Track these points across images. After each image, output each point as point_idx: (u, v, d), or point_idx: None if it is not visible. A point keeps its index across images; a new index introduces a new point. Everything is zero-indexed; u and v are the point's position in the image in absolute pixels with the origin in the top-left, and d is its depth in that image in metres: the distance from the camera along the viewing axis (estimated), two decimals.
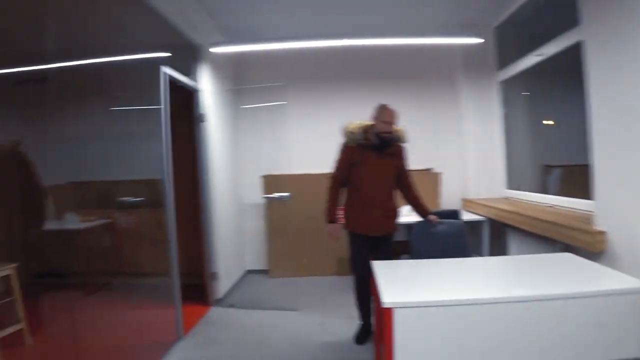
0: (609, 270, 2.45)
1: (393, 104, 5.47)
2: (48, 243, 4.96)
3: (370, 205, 3.34)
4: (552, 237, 3.38)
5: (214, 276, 4.43)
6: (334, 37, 4.03)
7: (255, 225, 5.59)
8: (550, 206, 4.00)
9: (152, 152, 4.29)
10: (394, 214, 3.49)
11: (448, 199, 5.43)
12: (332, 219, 3.47)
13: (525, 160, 5.00)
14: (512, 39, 4.92)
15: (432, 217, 3.49)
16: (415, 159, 5.49)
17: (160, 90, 3.55)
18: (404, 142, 3.52)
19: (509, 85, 5.08)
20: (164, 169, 3.61)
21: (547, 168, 4.77)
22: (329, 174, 3.50)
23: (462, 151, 5.47)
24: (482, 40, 4.17)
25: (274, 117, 4.88)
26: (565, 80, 4.32)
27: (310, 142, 5.52)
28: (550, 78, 4.49)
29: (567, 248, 3.50)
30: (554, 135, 4.70)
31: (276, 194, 4.55)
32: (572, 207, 3.75)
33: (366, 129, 3.40)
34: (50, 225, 5.03)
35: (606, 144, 2.78)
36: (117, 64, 4.15)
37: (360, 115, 5.50)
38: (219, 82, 4.77)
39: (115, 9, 3.42)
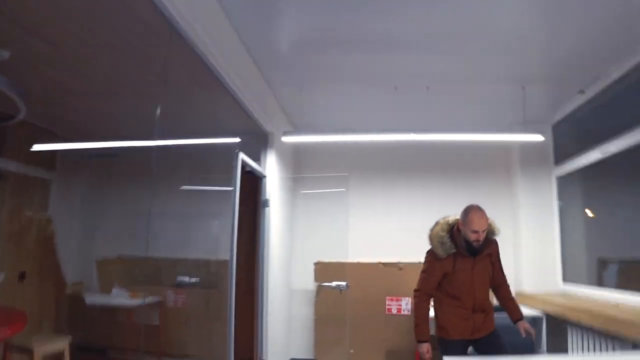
0: None
1: (448, 198, 5.69)
2: (92, 317, 5.04)
3: (471, 310, 3.09)
4: (619, 336, 3.27)
5: None
6: (398, 131, 4.23)
7: (304, 312, 5.54)
8: (616, 305, 3.89)
9: (219, 234, 4.46)
10: (492, 310, 3.23)
11: None
12: (425, 337, 3.11)
13: (582, 254, 4.95)
14: (569, 136, 5.09)
15: (524, 326, 3.15)
16: None
17: (235, 174, 3.73)
18: (496, 235, 3.20)
19: (565, 181, 5.16)
20: (232, 250, 3.69)
21: (602, 262, 4.68)
22: (416, 288, 3.23)
23: (517, 244, 5.45)
24: (542, 138, 4.30)
25: (331, 205, 5.01)
26: (620, 177, 4.41)
27: (365, 231, 5.60)
28: (606, 175, 4.56)
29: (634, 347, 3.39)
30: (610, 230, 4.67)
31: (334, 283, 4.55)
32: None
33: (453, 231, 3.11)
34: (98, 299, 5.15)
35: None
36: (196, 146, 4.46)
37: (419, 208, 5.70)
38: (282, 169, 5.00)
39: (200, 95, 3.74)
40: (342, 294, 4.89)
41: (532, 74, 4.15)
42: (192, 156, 4.88)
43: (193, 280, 5.16)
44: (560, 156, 5.17)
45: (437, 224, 3.22)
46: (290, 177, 5.06)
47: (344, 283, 4.44)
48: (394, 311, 5.28)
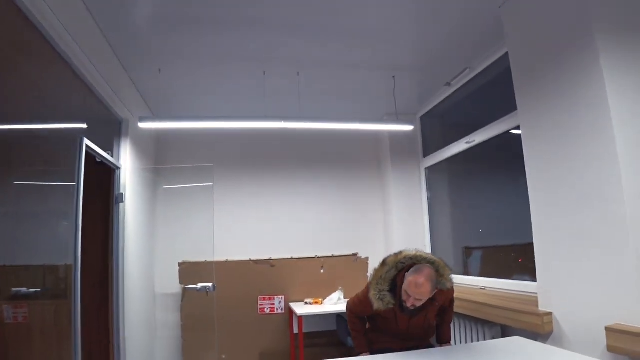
0: (564, 351, 2.41)
1: (320, 188, 5.59)
2: None
3: (404, 340, 2.80)
4: (490, 320, 3.37)
5: None
6: (268, 119, 3.97)
7: (169, 318, 5.05)
8: (482, 288, 4.04)
9: (59, 234, 3.81)
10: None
11: None
12: (362, 349, 2.82)
13: (449, 242, 5.12)
14: (436, 128, 5.28)
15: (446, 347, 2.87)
16: (340, 245, 5.50)
17: (78, 164, 3.19)
18: (447, 287, 2.65)
19: (433, 172, 5.32)
20: (75, 253, 3.16)
21: (467, 250, 4.91)
22: (349, 304, 2.91)
23: (389, 234, 5.50)
24: (412, 127, 4.33)
25: (196, 200, 4.60)
26: (483, 169, 4.62)
27: (234, 227, 5.30)
28: (470, 166, 4.76)
29: (504, 330, 3.51)
30: (473, 219, 4.89)
31: (199, 285, 4.12)
32: (501, 287, 3.81)
33: (397, 279, 2.65)
34: None
35: (544, 229, 2.87)
36: (26, 132, 3.75)
37: (290, 201, 5.52)
38: (139, 160, 4.48)
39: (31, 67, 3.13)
40: (210, 295, 4.51)
41: (402, 64, 4.16)
42: (29, 146, 4.13)
43: (34, 290, 4.39)
44: (428, 147, 5.32)
45: (384, 263, 2.72)
46: (149, 169, 4.54)
47: (210, 284, 4.04)
48: (267, 311, 5.02)
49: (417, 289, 2.42)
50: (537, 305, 2.91)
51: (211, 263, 4.86)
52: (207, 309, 4.66)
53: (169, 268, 4.97)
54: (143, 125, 3.93)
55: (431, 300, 2.56)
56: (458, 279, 4.57)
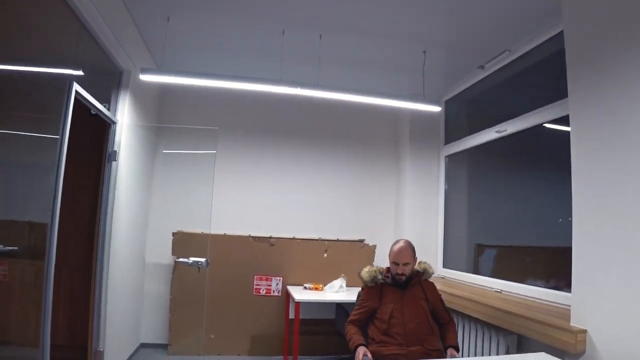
0: None
1: (331, 166, 5.22)
2: None
3: (405, 344, 2.76)
4: (504, 328, 3.03)
5: (98, 355, 3.52)
6: (282, 83, 3.59)
7: (158, 290, 4.74)
8: (498, 291, 3.69)
9: (44, 190, 3.48)
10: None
11: None
12: (358, 342, 2.77)
13: (462, 238, 4.78)
14: (462, 114, 4.88)
15: (453, 353, 2.81)
16: (347, 229, 5.16)
17: (65, 112, 2.84)
18: (429, 275, 3.13)
19: (452, 162, 4.95)
20: (54, 210, 2.82)
21: (479, 247, 4.57)
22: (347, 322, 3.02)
23: (399, 223, 5.15)
24: (439, 108, 3.94)
25: (197, 165, 4.24)
26: (508, 161, 4.27)
27: (235, 199, 4.97)
28: (492, 160, 4.42)
29: (520, 341, 3.17)
30: (490, 215, 4.56)
31: (190, 259, 3.76)
32: (520, 293, 3.46)
33: (384, 270, 3.07)
34: None
35: (587, 235, 2.48)
36: (12, 74, 3.40)
37: (297, 178, 5.16)
38: (139, 117, 4.13)
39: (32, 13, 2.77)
40: (202, 272, 4.19)
41: (435, 39, 3.75)
42: (15, 90, 3.77)
43: (11, 248, 4.07)
44: (451, 135, 4.94)
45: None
46: (149, 127, 4.16)
47: (203, 260, 3.68)
48: (263, 292, 4.70)
49: (400, 252, 2.91)
50: (568, 320, 2.55)
51: (207, 236, 4.53)
52: (198, 285, 4.34)
53: (163, 237, 4.64)
54: (145, 77, 3.56)
55: (419, 284, 2.99)
56: (468, 278, 4.26)
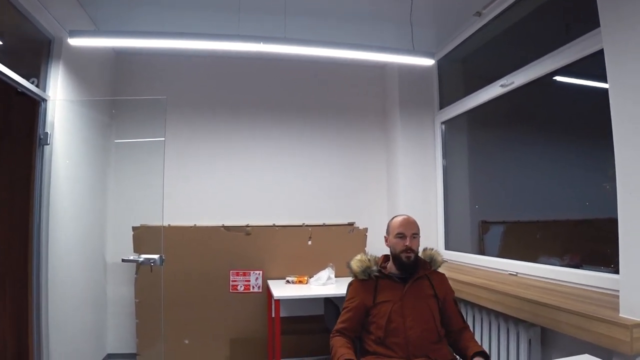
0: None
1: (310, 140, 4.59)
2: None
3: (406, 357, 2.17)
4: (524, 319, 2.49)
5: None
6: (244, 39, 2.97)
7: (123, 293, 4.15)
8: (513, 274, 3.14)
9: None
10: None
11: None
12: (348, 355, 2.14)
13: (465, 214, 4.25)
14: (457, 74, 4.36)
15: None
16: (333, 212, 4.57)
17: None
18: (438, 265, 2.49)
19: (450, 129, 4.40)
20: None
21: (484, 224, 4.06)
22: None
23: (393, 203, 4.58)
24: (432, 62, 3.35)
25: (151, 147, 3.61)
26: (510, 127, 3.76)
27: (204, 185, 4.41)
28: (499, 121, 3.91)
29: (544, 333, 2.63)
30: (494, 189, 4.04)
31: (142, 256, 3.12)
32: (539, 275, 2.92)
33: (379, 259, 2.47)
34: None
35: (638, 202, 1.92)
36: None
37: (273, 155, 4.54)
38: (84, 94, 3.51)
39: None
40: (172, 267, 3.61)
41: None
42: None
43: None
44: (446, 98, 4.38)
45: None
46: (83, 102, 3.45)
47: (156, 256, 3.04)
48: (241, 288, 4.13)
49: (405, 221, 2.38)
50: (613, 309, 1.99)
51: (173, 227, 3.96)
52: (166, 285, 3.78)
53: (126, 233, 4.05)
54: (75, 42, 2.95)
55: (426, 277, 2.38)
56: (475, 260, 3.74)
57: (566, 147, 3.25)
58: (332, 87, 4.71)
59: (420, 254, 2.42)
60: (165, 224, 3.93)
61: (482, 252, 3.87)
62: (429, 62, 3.36)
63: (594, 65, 2.55)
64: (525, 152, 3.61)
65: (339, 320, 2.36)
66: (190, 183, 4.33)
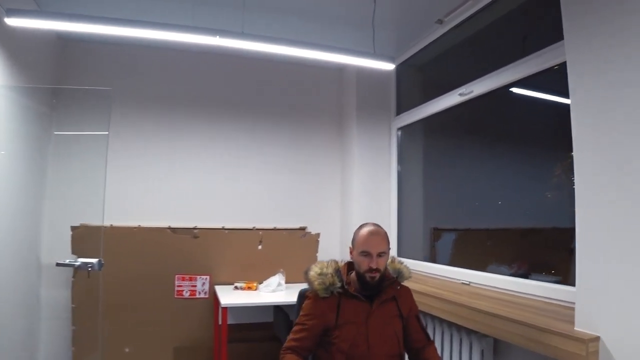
0: None
1: (263, 141, 4.38)
2: None
3: None
4: (477, 330, 2.47)
5: None
6: (198, 31, 2.81)
7: (59, 298, 3.84)
8: (466, 283, 3.12)
9: None
10: None
11: None
12: None
13: (418, 223, 4.25)
14: (415, 81, 4.36)
15: None
16: (285, 215, 4.43)
17: None
18: (406, 278, 2.26)
19: (406, 135, 4.38)
20: None
21: (436, 232, 4.09)
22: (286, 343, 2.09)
23: (346, 208, 4.52)
24: (393, 66, 3.29)
25: (93, 142, 3.36)
26: (470, 133, 3.79)
27: (150, 184, 4.16)
28: (454, 130, 3.92)
29: (497, 344, 2.62)
30: (447, 196, 4.06)
31: (79, 260, 2.88)
32: (492, 285, 2.91)
33: (342, 270, 2.16)
34: None
35: (595, 216, 1.91)
36: None
37: (221, 153, 4.36)
38: (20, 81, 3.23)
39: None
40: (112, 270, 3.39)
41: None
42: None
43: None
44: (403, 105, 4.37)
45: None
46: (20, 88, 3.14)
47: (94, 260, 2.81)
48: (187, 294, 3.95)
49: (372, 236, 2.05)
50: (566, 321, 1.99)
51: (115, 228, 3.73)
52: (107, 289, 3.55)
53: (64, 233, 3.78)
54: (13, 22, 2.69)
55: (391, 284, 2.15)
56: (427, 268, 3.74)
57: (517, 157, 3.31)
58: (287, 87, 4.59)
59: (387, 265, 2.17)
60: (108, 224, 3.75)
61: (433, 259, 3.87)
62: (389, 66, 3.30)
63: (548, 79, 2.61)
64: (479, 160, 3.64)
65: (291, 337, 2.09)
66: (135, 181, 4.08)
